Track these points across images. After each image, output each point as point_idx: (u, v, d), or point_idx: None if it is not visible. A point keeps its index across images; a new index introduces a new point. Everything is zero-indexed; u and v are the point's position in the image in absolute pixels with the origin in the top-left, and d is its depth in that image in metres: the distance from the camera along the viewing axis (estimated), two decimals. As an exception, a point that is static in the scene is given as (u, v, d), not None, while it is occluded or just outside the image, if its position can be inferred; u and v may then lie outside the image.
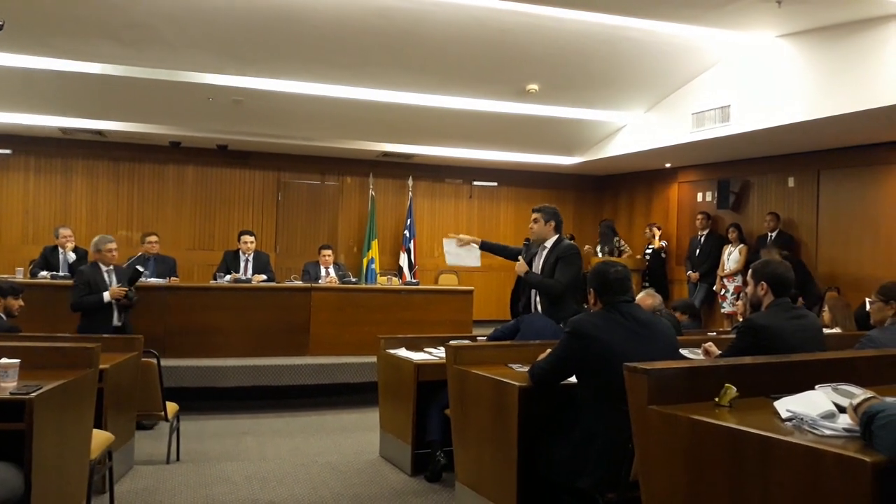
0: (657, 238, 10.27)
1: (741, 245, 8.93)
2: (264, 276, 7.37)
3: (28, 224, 9.74)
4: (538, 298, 4.74)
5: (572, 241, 4.76)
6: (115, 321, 5.88)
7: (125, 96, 8.08)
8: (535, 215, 4.83)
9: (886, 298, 3.88)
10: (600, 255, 10.38)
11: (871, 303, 4.14)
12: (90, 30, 6.60)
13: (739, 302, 8.46)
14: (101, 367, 3.63)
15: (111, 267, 5.93)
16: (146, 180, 10.22)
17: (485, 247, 5.22)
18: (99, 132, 9.22)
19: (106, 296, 5.72)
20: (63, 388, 3.02)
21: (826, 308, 5.74)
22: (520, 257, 4.87)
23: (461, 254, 5.25)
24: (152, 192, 10.23)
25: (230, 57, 7.27)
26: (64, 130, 9.16)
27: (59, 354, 3.41)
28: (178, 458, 4.89)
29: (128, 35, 6.69)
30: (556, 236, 4.78)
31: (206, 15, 6.39)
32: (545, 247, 4.77)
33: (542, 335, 4.20)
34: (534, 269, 4.79)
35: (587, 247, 10.06)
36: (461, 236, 5.32)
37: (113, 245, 5.73)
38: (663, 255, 10.24)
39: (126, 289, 5.80)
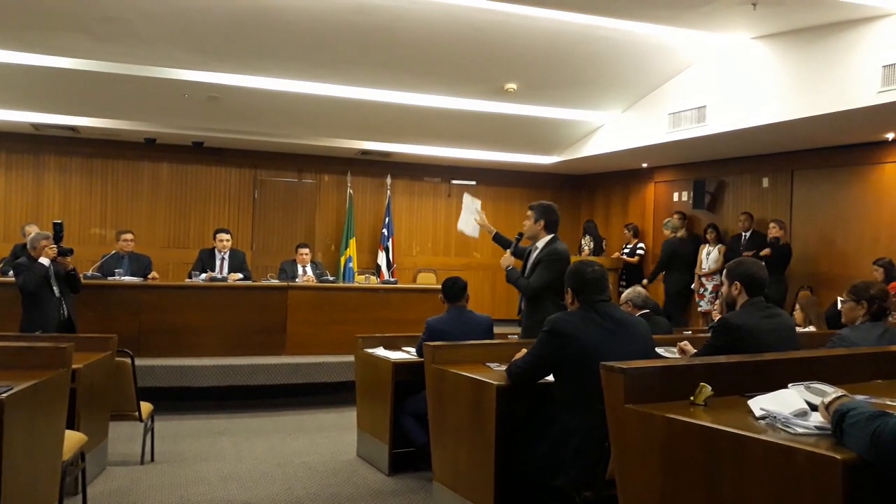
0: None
1: (719, 245, 9.04)
2: (240, 275, 7.31)
3: (-2, 221, 9.58)
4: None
5: (560, 246, 4.64)
6: (62, 313, 5.61)
7: (99, 92, 7.97)
8: (528, 212, 4.68)
9: (857, 298, 3.94)
10: (585, 250, 10.63)
11: (842, 302, 4.20)
12: (62, 24, 6.49)
13: (717, 302, 8.56)
14: (74, 366, 3.57)
15: (48, 262, 5.69)
16: (120, 177, 10.08)
17: (496, 238, 5.06)
18: (72, 128, 9.09)
19: (44, 260, 5.46)
20: (35, 389, 2.97)
21: (798, 307, 5.82)
22: (508, 250, 4.73)
23: (469, 221, 5.19)
24: (126, 190, 10.10)
25: (206, 53, 7.20)
26: (36, 126, 9.01)
27: (30, 354, 3.36)
28: (152, 459, 4.84)
29: (101, 29, 6.59)
30: (550, 237, 4.58)
31: (182, 10, 6.32)
32: (536, 247, 4.62)
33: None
34: (528, 267, 4.65)
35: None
36: (482, 216, 5.17)
37: (47, 241, 5.58)
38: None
39: (55, 246, 5.54)
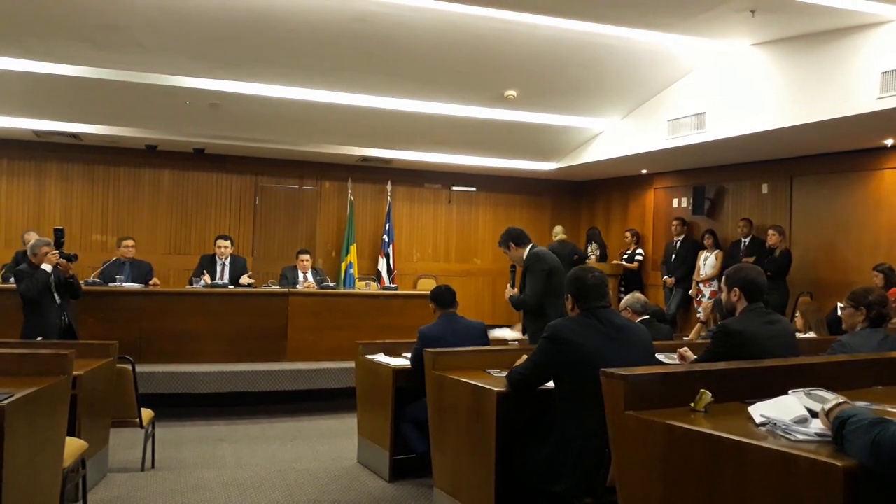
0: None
1: (717, 251, 9.04)
2: (250, 280, 7.34)
3: (0, 228, 9.58)
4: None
5: (537, 250, 4.87)
6: (63, 320, 5.60)
7: (100, 99, 7.99)
8: (501, 248, 5.02)
9: (856, 304, 3.94)
10: (591, 258, 10.59)
11: (842, 308, 4.20)
12: (64, 31, 6.51)
13: (705, 302, 8.52)
14: (75, 373, 3.58)
15: (50, 268, 5.70)
16: (122, 184, 10.09)
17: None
18: (74, 135, 9.10)
19: (46, 267, 5.46)
20: (35, 396, 2.97)
21: (798, 313, 5.82)
22: (508, 285, 5.04)
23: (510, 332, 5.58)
24: (128, 196, 10.11)
25: (207, 60, 7.22)
26: (37, 133, 9.03)
27: (31, 361, 3.35)
28: (153, 466, 4.83)
29: (103, 37, 6.61)
30: (527, 249, 4.87)
31: (183, 18, 6.34)
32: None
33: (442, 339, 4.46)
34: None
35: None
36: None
37: (48, 248, 5.58)
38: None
39: (58, 251, 5.52)
